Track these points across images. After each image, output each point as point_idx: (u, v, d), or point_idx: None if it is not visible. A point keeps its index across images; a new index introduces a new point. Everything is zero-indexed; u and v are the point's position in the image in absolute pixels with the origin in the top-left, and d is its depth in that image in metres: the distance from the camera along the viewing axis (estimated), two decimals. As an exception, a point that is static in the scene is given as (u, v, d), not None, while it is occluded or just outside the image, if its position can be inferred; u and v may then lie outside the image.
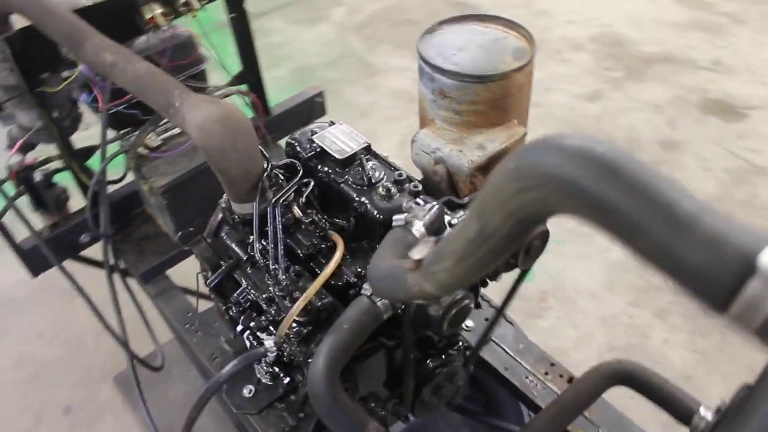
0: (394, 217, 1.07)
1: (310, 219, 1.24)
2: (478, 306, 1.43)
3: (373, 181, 1.25)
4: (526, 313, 2.95)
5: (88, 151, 1.98)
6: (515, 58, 1.28)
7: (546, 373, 1.69)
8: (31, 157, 2.01)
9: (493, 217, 0.64)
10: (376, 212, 1.21)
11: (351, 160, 1.29)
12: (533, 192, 0.58)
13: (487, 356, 1.75)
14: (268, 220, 1.22)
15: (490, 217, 0.65)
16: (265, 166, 1.28)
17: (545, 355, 1.74)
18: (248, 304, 1.28)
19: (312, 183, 1.27)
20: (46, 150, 2.01)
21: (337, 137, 1.33)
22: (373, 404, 1.35)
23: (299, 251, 1.25)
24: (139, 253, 2.04)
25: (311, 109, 2.43)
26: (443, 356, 1.42)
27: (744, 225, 0.45)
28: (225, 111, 1.24)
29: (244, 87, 2.21)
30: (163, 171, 1.86)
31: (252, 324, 1.25)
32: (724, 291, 0.45)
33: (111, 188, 2.19)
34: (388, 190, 1.22)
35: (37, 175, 2.02)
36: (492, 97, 1.26)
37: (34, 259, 1.97)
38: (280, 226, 1.21)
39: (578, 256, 3.18)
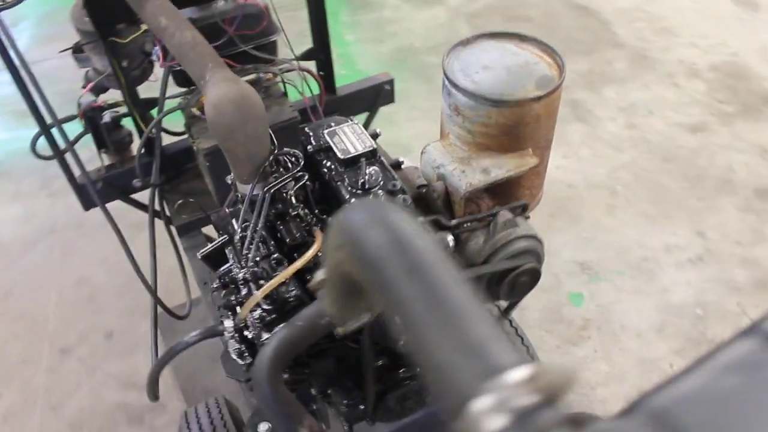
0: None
1: (296, 212, 1.25)
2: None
3: (366, 186, 1.25)
4: (563, 337, 2.86)
5: (151, 103, 2.08)
6: (537, 86, 1.23)
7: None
8: (102, 99, 2.15)
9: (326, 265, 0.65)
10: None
11: (353, 162, 1.29)
12: (340, 252, 0.58)
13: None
14: (257, 204, 1.25)
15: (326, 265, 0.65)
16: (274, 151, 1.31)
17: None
18: (228, 281, 1.32)
19: (306, 177, 1.28)
20: (118, 95, 2.13)
21: (347, 136, 1.34)
22: (334, 400, 1.37)
23: (287, 240, 1.28)
24: (182, 206, 2.14)
25: (378, 95, 2.44)
26: (413, 370, 1.41)
27: (499, 354, 0.43)
28: (241, 93, 1.28)
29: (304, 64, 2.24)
30: (210, 134, 1.93)
31: (223, 301, 1.29)
32: (448, 411, 0.42)
33: (172, 140, 2.30)
34: (380, 199, 1.22)
35: (107, 116, 2.15)
36: (505, 122, 1.23)
37: (87, 195, 2.11)
38: (264, 213, 1.24)
39: (634, 291, 3.04)
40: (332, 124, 1.38)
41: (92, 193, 1.95)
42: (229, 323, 1.21)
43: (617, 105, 4.02)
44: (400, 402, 1.40)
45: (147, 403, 2.65)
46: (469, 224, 1.23)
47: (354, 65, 4.55)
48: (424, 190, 1.33)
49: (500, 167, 1.26)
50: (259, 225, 1.23)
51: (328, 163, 1.33)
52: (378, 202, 0.57)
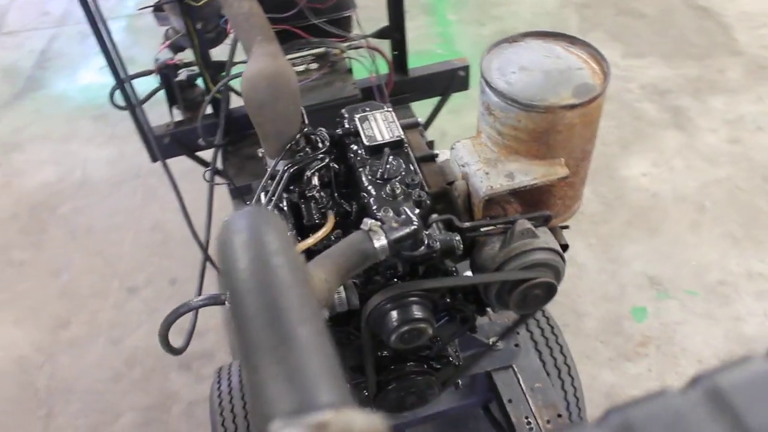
0: (364, 220, 1.05)
1: (311, 194, 1.25)
2: (473, 330, 1.37)
3: (386, 176, 1.23)
4: (618, 351, 2.74)
5: (222, 65, 2.13)
6: (574, 93, 1.16)
7: (548, 421, 1.60)
8: (179, 57, 2.22)
9: None
10: (375, 207, 1.20)
11: (377, 149, 1.27)
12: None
13: (499, 381, 1.68)
14: (275, 181, 1.26)
15: None
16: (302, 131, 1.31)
17: (557, 403, 1.63)
18: None
19: (326, 160, 1.28)
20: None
21: (377, 122, 1.32)
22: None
23: (304, 220, 1.28)
24: (239, 169, 2.20)
25: (451, 80, 2.38)
26: (425, 366, 1.39)
27: (311, 391, 0.41)
28: (276, 70, 1.28)
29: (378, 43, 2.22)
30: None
31: None
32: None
33: (240, 103, 2.36)
34: (394, 191, 1.20)
35: (183, 74, 2.23)
36: (534, 128, 1.17)
37: (155, 147, 2.20)
38: (280, 190, 1.24)
39: (704, 315, 2.85)
40: (367, 108, 1.37)
41: (155, 146, 2.03)
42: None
43: (723, 116, 3.74)
44: (401, 396, 1.39)
45: (197, 351, 2.79)
46: (484, 229, 1.19)
47: (451, 46, 4.47)
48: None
49: (526, 174, 1.20)
50: (273, 198, 1.24)
51: (355, 148, 1.32)
52: (248, 214, 0.55)
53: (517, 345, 1.71)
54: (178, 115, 2.31)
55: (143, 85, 2.18)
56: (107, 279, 3.13)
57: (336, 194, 1.30)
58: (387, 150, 1.25)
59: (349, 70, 2.06)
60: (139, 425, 2.60)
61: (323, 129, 1.39)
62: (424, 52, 4.37)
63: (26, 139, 3.96)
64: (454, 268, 1.19)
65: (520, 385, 1.65)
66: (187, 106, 2.25)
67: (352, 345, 1.25)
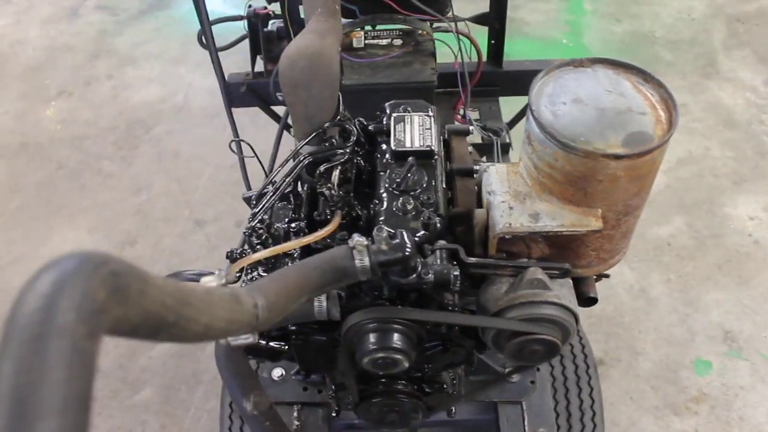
0: (352, 236, 0.98)
1: (322, 189, 1.18)
2: (471, 363, 1.28)
3: (402, 188, 1.14)
4: (667, 401, 2.53)
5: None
6: (625, 142, 1.01)
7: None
8: (272, 8, 2.19)
9: None
10: (382, 219, 1.12)
11: (403, 156, 1.18)
12: None
13: (503, 415, 1.58)
14: (292, 167, 1.20)
15: None
16: (335, 118, 1.24)
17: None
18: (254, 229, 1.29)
19: (351, 155, 1.20)
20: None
21: (412, 126, 1.22)
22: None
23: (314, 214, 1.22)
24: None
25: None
26: (414, 387, 1.32)
27: None
28: (318, 50, 1.21)
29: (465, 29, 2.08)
30: (343, 73, 1.89)
31: (237, 249, 1.27)
32: None
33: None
34: (405, 206, 1.11)
35: (273, 26, 2.20)
36: (571, 171, 1.04)
37: (230, 94, 2.21)
38: (291, 178, 1.18)
39: (778, 387, 2.58)
40: (409, 108, 1.27)
41: (223, 95, 2.02)
42: (221, 272, 1.19)
43: None
44: (383, 411, 1.33)
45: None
46: (488, 270, 1.08)
47: (579, 37, 4.19)
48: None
49: (553, 218, 1.08)
50: (283, 186, 1.18)
51: (384, 148, 1.23)
52: (62, 270, 0.48)
53: (533, 382, 1.60)
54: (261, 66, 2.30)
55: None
56: (180, 206, 3.22)
57: (353, 194, 1.22)
58: (411, 160, 1.15)
59: (433, 53, 1.94)
60: (173, 354, 2.69)
61: (362, 120, 1.31)
62: (548, 39, 4.13)
63: (141, 55, 4.10)
64: (452, 301, 1.09)
65: (524, 425, 1.54)
66: (270, 58, 2.22)
67: (325, 351, 1.19)
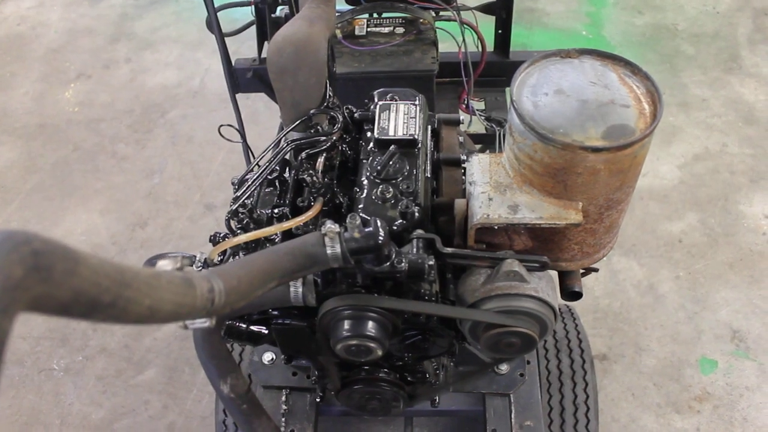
0: (326, 222, 0.98)
1: (304, 175, 1.18)
2: (452, 354, 1.28)
3: (383, 176, 1.14)
4: (670, 398, 2.50)
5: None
6: (605, 135, 1.00)
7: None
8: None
9: None
10: (360, 205, 1.12)
11: (386, 144, 1.18)
12: None
13: (491, 407, 1.57)
14: (272, 152, 1.20)
15: None
16: (322, 105, 1.24)
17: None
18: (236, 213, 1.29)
19: (330, 145, 1.20)
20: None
21: (397, 115, 1.21)
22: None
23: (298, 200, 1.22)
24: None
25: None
26: (396, 376, 1.32)
27: None
28: (306, 37, 1.21)
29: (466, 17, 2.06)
30: (343, 61, 1.89)
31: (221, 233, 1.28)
32: None
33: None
34: (385, 195, 1.10)
35: (281, 12, 2.19)
36: (551, 163, 1.02)
37: (234, 79, 2.21)
38: (274, 164, 1.19)
39: (786, 390, 2.54)
40: (396, 97, 1.26)
41: (227, 82, 2.03)
42: (201, 255, 1.20)
43: None
44: (365, 398, 1.33)
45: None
46: (464, 260, 1.08)
47: (599, 29, 4.12)
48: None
49: (533, 210, 1.07)
50: (266, 172, 1.18)
51: (369, 136, 1.23)
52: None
53: (522, 374, 1.59)
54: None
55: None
56: (191, 191, 3.25)
57: (336, 181, 1.22)
58: (393, 148, 1.15)
59: (434, 42, 1.93)
60: (178, 337, 2.72)
61: (350, 108, 1.31)
62: (567, 30, 4.08)
63: (160, 39, 4.13)
64: (428, 291, 1.08)
65: (511, 418, 1.54)
66: (274, 44, 2.22)
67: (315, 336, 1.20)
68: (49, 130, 3.58)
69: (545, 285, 1.10)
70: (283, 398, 1.59)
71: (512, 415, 1.54)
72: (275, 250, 0.95)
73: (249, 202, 1.21)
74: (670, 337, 2.66)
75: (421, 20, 1.93)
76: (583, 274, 1.41)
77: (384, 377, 1.31)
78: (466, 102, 2.07)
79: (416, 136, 1.18)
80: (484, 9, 2.07)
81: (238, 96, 2.31)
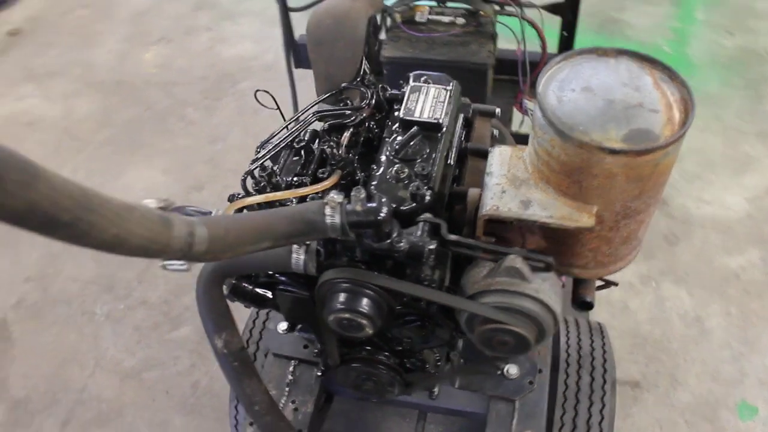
0: (332, 192, 0.98)
1: (324, 147, 1.18)
2: (452, 346, 1.26)
3: (401, 156, 1.13)
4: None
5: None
6: (625, 138, 0.96)
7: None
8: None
9: None
10: (374, 183, 1.11)
11: (409, 125, 1.17)
12: None
13: (493, 411, 1.54)
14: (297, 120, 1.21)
15: None
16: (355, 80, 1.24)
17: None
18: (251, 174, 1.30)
19: (358, 121, 1.20)
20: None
21: (426, 98, 1.20)
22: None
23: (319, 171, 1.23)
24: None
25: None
26: (395, 361, 1.32)
27: None
28: (345, 12, 1.21)
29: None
30: (399, 45, 1.88)
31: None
32: None
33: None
34: (399, 175, 1.10)
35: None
36: (567, 161, 0.99)
37: (298, 54, 2.25)
38: (298, 131, 1.20)
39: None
40: (429, 80, 1.25)
41: (286, 52, 2.05)
42: (215, 213, 1.22)
43: None
44: (361, 378, 1.33)
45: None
46: (468, 250, 1.06)
47: (683, 46, 3.95)
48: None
49: (544, 208, 1.03)
50: (290, 141, 1.20)
51: (396, 115, 1.22)
52: None
53: (531, 382, 1.55)
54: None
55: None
56: (250, 161, 3.32)
57: (358, 156, 1.22)
58: (414, 130, 1.14)
59: (493, 36, 1.89)
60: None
61: (385, 87, 1.30)
62: (649, 44, 3.93)
63: (242, 11, 4.24)
64: (429, 276, 1.07)
65: (512, 424, 1.50)
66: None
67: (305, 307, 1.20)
68: (126, 88, 3.73)
69: (548, 288, 1.07)
70: (291, 368, 1.61)
71: (514, 422, 1.50)
72: (275, 212, 0.96)
73: (270, 166, 1.23)
74: (711, 374, 2.54)
75: (482, 13, 1.90)
76: (603, 287, 1.37)
77: (383, 360, 1.30)
78: (521, 101, 2.03)
79: (440, 121, 1.16)
80: (551, 9, 2.02)
81: (304, 71, 2.34)
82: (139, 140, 3.46)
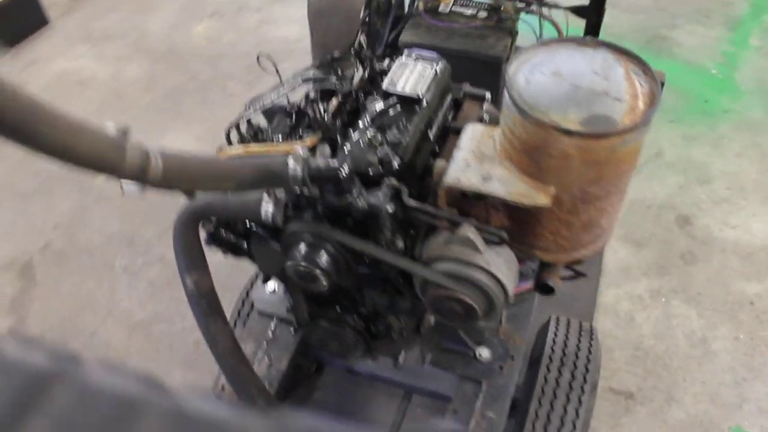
0: (296, 146, 1.04)
1: (307, 109, 1.24)
2: (416, 315, 1.30)
3: (377, 123, 1.18)
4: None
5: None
6: (584, 121, 0.99)
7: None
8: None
9: None
10: (347, 146, 1.16)
11: (389, 97, 1.21)
12: None
13: (460, 389, 1.57)
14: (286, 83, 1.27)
15: None
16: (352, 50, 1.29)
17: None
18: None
19: (345, 91, 1.25)
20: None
21: (411, 73, 1.24)
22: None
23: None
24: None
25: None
26: (361, 324, 1.36)
27: None
28: (347, -13, 1.27)
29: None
30: (418, 32, 1.93)
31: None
32: None
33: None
34: (371, 141, 1.14)
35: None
36: (526, 139, 1.02)
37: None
38: (284, 93, 1.25)
39: None
40: (419, 56, 1.29)
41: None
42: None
43: None
44: (326, 336, 1.38)
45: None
46: (425, 216, 1.09)
47: (732, 70, 3.85)
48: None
49: (503, 185, 1.07)
50: (278, 98, 1.26)
51: (379, 83, 1.27)
52: None
53: (501, 367, 1.57)
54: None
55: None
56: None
57: (341, 123, 1.27)
58: (394, 100, 1.19)
59: (511, 32, 1.92)
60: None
61: (374, 60, 1.35)
62: (695, 65, 3.86)
63: (293, -6, 4.34)
64: (388, 239, 1.11)
65: (476, 404, 1.53)
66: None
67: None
68: (174, 57, 3.87)
69: (501, 262, 1.10)
70: (272, 326, 1.67)
71: (478, 403, 1.53)
72: (242, 159, 1.02)
73: (258, 124, 1.29)
74: (709, 396, 2.50)
75: (503, 8, 1.93)
76: (573, 277, 1.39)
77: (349, 322, 1.35)
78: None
79: (420, 95, 1.20)
80: (576, 11, 2.03)
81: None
82: (179, 107, 3.59)
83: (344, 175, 1.01)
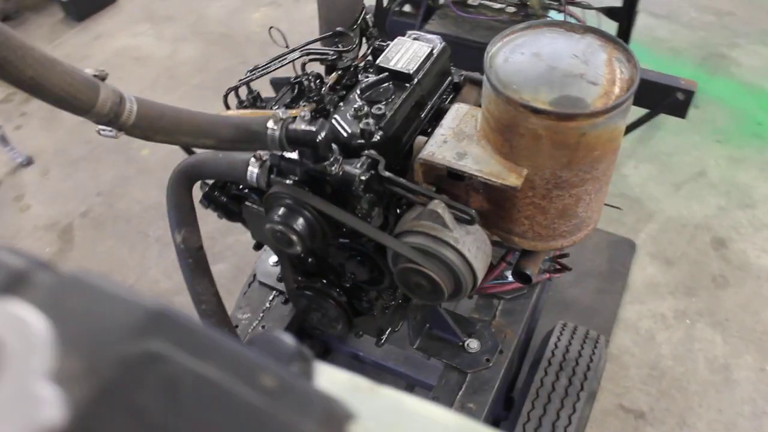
0: (278, 109, 1.07)
1: (302, 79, 1.27)
2: (394, 290, 1.32)
3: (365, 96, 1.20)
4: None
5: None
6: (554, 101, 0.98)
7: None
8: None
9: None
10: (336, 116, 1.19)
11: (381, 72, 1.23)
12: None
13: (444, 377, 1.57)
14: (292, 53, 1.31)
15: None
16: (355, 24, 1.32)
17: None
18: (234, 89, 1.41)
19: (345, 65, 1.28)
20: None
21: (407, 51, 1.25)
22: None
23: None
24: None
25: (664, 98, 2.06)
26: (343, 298, 1.39)
27: None
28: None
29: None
30: (444, 23, 1.95)
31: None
32: None
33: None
34: (358, 112, 1.16)
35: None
36: (499, 117, 1.03)
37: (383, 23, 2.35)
38: (282, 63, 1.29)
39: None
40: (419, 37, 1.30)
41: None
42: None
43: None
44: (310, 306, 1.41)
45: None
46: (398, 188, 1.11)
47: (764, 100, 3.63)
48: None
49: (476, 163, 1.07)
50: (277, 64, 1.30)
51: (375, 61, 1.29)
52: None
53: (488, 360, 1.56)
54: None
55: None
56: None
57: (338, 98, 1.30)
58: (385, 75, 1.20)
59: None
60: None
61: (377, 40, 1.38)
62: (753, 86, 3.72)
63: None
64: (364, 210, 1.13)
65: (458, 394, 1.53)
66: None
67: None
68: (228, 41, 3.98)
69: (470, 241, 1.10)
70: (270, 298, 1.71)
71: (460, 393, 1.53)
72: (224, 117, 1.06)
73: (257, 90, 1.34)
74: (725, 425, 2.41)
75: (530, 3, 1.92)
76: (558, 270, 1.37)
77: (333, 295, 1.37)
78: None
79: (411, 72, 1.21)
80: (607, 12, 2.00)
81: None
82: (225, 88, 3.69)
83: (320, 139, 1.03)
